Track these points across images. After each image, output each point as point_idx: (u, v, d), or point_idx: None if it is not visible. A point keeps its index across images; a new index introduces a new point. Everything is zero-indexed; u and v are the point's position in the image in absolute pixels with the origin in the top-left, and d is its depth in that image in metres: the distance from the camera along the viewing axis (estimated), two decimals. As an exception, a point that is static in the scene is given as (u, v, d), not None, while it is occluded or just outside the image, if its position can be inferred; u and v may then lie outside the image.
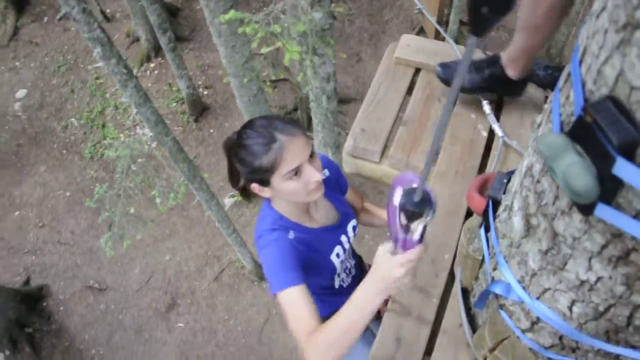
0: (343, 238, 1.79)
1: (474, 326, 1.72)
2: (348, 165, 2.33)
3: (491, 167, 2.09)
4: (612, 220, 0.90)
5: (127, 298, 5.89)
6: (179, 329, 5.64)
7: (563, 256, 1.11)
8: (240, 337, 5.51)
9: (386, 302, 1.82)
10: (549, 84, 2.20)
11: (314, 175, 1.47)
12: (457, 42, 2.62)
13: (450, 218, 2.01)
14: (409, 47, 2.49)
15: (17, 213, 6.58)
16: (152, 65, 7.46)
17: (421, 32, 6.35)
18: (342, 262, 1.80)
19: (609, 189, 0.86)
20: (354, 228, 1.86)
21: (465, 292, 1.78)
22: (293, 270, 1.46)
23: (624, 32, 0.77)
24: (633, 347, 1.16)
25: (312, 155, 1.49)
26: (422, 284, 1.88)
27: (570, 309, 1.18)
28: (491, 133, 2.23)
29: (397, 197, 1.09)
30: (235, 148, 1.52)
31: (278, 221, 1.59)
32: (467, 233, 1.64)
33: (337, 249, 1.76)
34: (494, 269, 1.46)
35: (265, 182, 1.50)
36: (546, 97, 2.22)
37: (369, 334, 2.08)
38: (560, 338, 1.30)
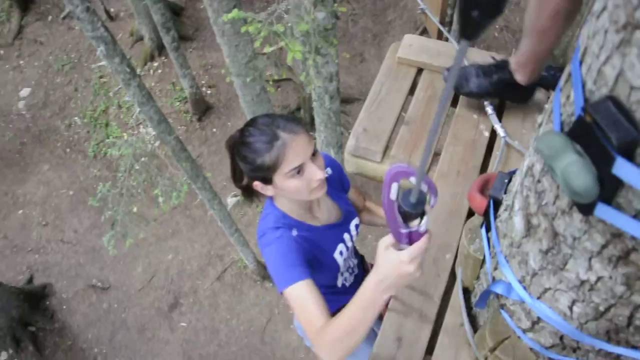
0: (346, 236, 1.79)
1: (475, 326, 1.72)
2: (350, 165, 2.33)
3: (493, 167, 2.09)
4: (612, 220, 0.90)
5: (130, 297, 5.91)
6: (181, 328, 5.66)
7: (563, 256, 1.11)
8: (243, 336, 5.52)
9: (387, 301, 1.82)
10: (551, 85, 2.19)
11: (317, 173, 1.47)
12: (459, 42, 2.61)
13: (451, 218, 2.01)
14: (411, 47, 2.49)
15: (20, 211, 6.60)
16: (155, 64, 7.47)
17: (425, 32, 6.34)
18: (345, 260, 1.80)
19: (609, 188, 0.86)
20: (357, 226, 1.86)
21: (467, 292, 1.78)
22: (298, 266, 1.45)
23: (624, 32, 0.77)
24: (634, 347, 1.16)
25: (314, 153, 1.49)
26: (424, 283, 1.89)
27: (570, 308, 1.18)
28: (493, 133, 2.23)
29: (394, 192, 1.06)
30: (237, 146, 1.52)
31: (281, 219, 1.59)
32: (468, 233, 1.64)
33: (340, 246, 1.75)
34: (495, 269, 1.46)
35: (267, 180, 1.50)
36: (548, 98, 2.22)
37: (370, 332, 2.08)
38: (561, 338, 1.30)
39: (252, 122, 1.52)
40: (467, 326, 1.69)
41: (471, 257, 1.61)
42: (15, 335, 5.63)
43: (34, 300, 5.86)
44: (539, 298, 1.27)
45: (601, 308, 1.10)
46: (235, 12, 2.51)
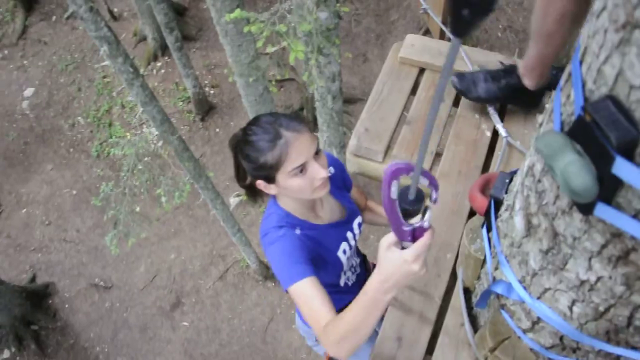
0: (349, 235, 1.79)
1: (475, 326, 1.72)
2: (351, 165, 2.33)
3: (494, 167, 2.09)
4: (611, 219, 0.89)
5: (132, 296, 5.92)
6: (183, 327, 5.66)
7: (563, 256, 1.11)
8: (245, 336, 5.52)
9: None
10: (554, 85, 2.19)
11: (320, 172, 1.47)
12: (462, 42, 2.62)
13: (453, 218, 2.01)
14: (413, 47, 2.49)
15: (24, 211, 6.62)
16: (158, 64, 7.48)
17: (428, 32, 6.34)
18: (348, 259, 1.80)
19: (609, 188, 0.85)
20: (360, 225, 1.85)
21: (467, 292, 1.78)
22: (302, 263, 1.45)
23: (623, 32, 0.77)
24: (633, 347, 1.16)
25: (317, 152, 1.49)
26: (424, 283, 1.89)
27: (570, 309, 1.18)
28: (495, 133, 2.23)
29: (394, 190, 1.06)
30: (240, 145, 1.51)
31: (284, 218, 1.59)
32: (469, 233, 1.64)
33: (344, 245, 1.75)
34: (496, 269, 1.46)
35: (270, 179, 1.50)
36: (549, 97, 2.22)
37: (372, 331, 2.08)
38: (561, 338, 1.30)
39: (255, 121, 1.51)
40: (467, 326, 1.69)
41: (472, 257, 1.61)
42: (17, 333, 5.64)
43: (37, 299, 5.88)
44: (539, 298, 1.27)
45: (601, 308, 1.10)
46: (237, 12, 2.51)
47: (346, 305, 1.28)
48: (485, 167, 2.16)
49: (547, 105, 1.17)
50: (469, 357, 1.69)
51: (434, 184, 1.06)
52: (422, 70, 2.49)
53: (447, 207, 2.04)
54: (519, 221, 1.26)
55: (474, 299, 1.73)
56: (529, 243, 1.23)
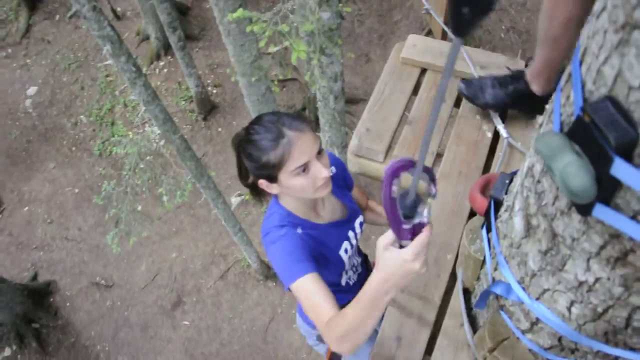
0: (350, 234, 1.79)
1: (474, 327, 1.72)
2: (352, 165, 2.33)
3: (495, 168, 2.09)
4: (610, 221, 0.89)
5: (133, 295, 5.92)
6: (184, 326, 5.67)
7: (562, 257, 1.11)
8: (245, 335, 5.52)
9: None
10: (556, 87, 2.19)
11: (322, 171, 1.46)
12: (464, 43, 2.61)
13: (453, 218, 2.01)
14: (415, 47, 2.49)
15: (26, 209, 6.63)
16: (161, 63, 7.49)
17: (430, 33, 6.34)
18: (349, 258, 1.80)
19: (607, 189, 0.85)
20: (361, 224, 1.85)
21: (467, 293, 1.78)
22: (304, 260, 1.45)
23: (622, 32, 0.77)
24: (632, 349, 1.16)
25: (320, 151, 1.49)
26: (424, 284, 1.89)
27: (569, 309, 1.18)
28: (496, 134, 2.23)
29: (395, 189, 1.05)
30: (243, 144, 1.51)
31: (286, 217, 1.59)
32: (469, 233, 1.64)
33: (345, 244, 1.75)
34: (495, 270, 1.46)
35: (273, 179, 1.50)
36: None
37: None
38: (560, 339, 1.30)
39: (257, 120, 1.51)
40: (466, 327, 1.69)
41: (472, 258, 1.61)
42: (19, 331, 5.65)
43: (38, 297, 5.88)
44: (537, 299, 1.27)
45: (599, 309, 1.10)
46: (240, 12, 2.52)
47: (347, 304, 1.28)
48: (486, 168, 2.16)
49: (547, 106, 1.17)
50: (468, 357, 1.69)
51: (432, 178, 1.05)
52: (423, 71, 2.49)
53: (447, 207, 2.04)
54: (518, 222, 1.26)
55: (474, 300, 1.73)
56: (528, 244, 1.23)
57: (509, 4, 6.60)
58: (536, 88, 2.04)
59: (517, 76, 2.12)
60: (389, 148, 2.27)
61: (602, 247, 0.98)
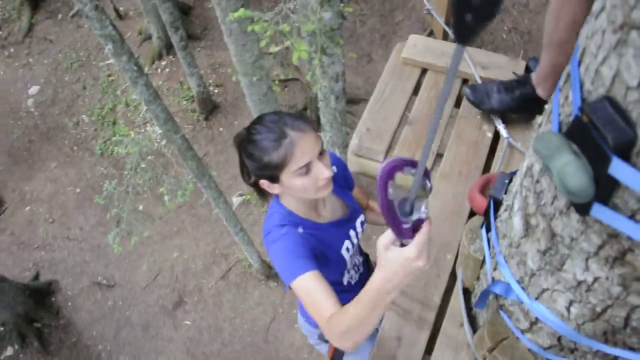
0: (352, 233, 1.79)
1: (474, 326, 1.72)
2: (353, 165, 2.33)
3: (495, 168, 2.09)
4: (608, 220, 0.90)
5: (135, 295, 5.93)
6: (185, 326, 5.67)
7: (561, 256, 1.11)
8: (246, 335, 5.53)
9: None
10: None
11: (324, 172, 1.46)
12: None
13: (453, 218, 2.01)
14: (416, 47, 2.50)
15: (27, 208, 6.64)
16: (163, 63, 7.50)
17: (432, 33, 6.34)
18: (351, 257, 1.80)
19: (605, 189, 0.86)
20: (362, 223, 1.85)
21: (467, 293, 1.78)
22: (304, 258, 1.44)
23: (621, 33, 0.77)
24: (631, 348, 1.16)
25: (321, 152, 1.49)
26: (424, 284, 1.89)
27: (568, 309, 1.18)
28: (496, 134, 2.23)
29: (392, 191, 1.04)
30: (244, 143, 1.51)
31: (287, 217, 1.59)
32: (469, 233, 1.64)
33: (347, 243, 1.75)
34: (494, 269, 1.47)
35: (274, 179, 1.50)
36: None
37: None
38: (559, 339, 1.30)
39: (259, 120, 1.51)
40: (466, 326, 1.69)
41: (471, 258, 1.61)
42: (20, 331, 5.66)
43: (40, 296, 5.89)
44: (537, 299, 1.27)
45: (598, 309, 1.10)
46: (241, 11, 2.52)
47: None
48: (486, 168, 2.16)
49: (546, 106, 1.17)
50: (467, 357, 1.70)
51: (425, 173, 1.04)
52: (424, 71, 2.49)
53: (447, 207, 2.04)
54: (517, 221, 1.26)
55: (474, 300, 1.73)
56: (527, 243, 1.23)
57: (511, 4, 6.59)
58: (542, 92, 2.04)
59: (523, 81, 2.11)
60: (390, 148, 2.27)
61: (600, 247, 0.98)
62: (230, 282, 5.87)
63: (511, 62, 2.43)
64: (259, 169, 1.49)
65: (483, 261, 1.56)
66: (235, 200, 6.18)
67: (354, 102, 6.49)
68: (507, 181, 1.48)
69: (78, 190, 6.68)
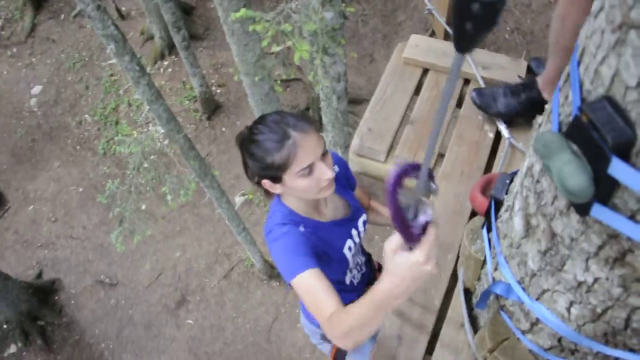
0: (354, 232, 1.78)
1: (475, 327, 1.72)
2: (354, 165, 2.33)
3: (497, 168, 2.09)
4: (608, 220, 0.89)
5: (137, 294, 5.94)
6: (187, 325, 5.68)
7: (561, 257, 1.10)
8: (249, 335, 5.53)
9: None
10: None
11: (326, 173, 1.45)
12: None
13: (454, 218, 2.01)
14: (417, 47, 2.49)
15: (31, 207, 6.66)
16: (165, 63, 7.51)
17: (434, 34, 6.33)
18: (353, 256, 1.80)
19: (605, 189, 0.85)
20: (364, 223, 1.85)
21: (468, 293, 1.78)
22: (305, 256, 1.44)
23: (619, 32, 0.77)
24: (631, 350, 1.16)
25: (324, 152, 1.48)
26: (425, 283, 1.88)
27: (568, 310, 1.18)
28: (498, 134, 2.22)
29: (402, 198, 1.04)
30: (246, 143, 1.50)
31: (288, 216, 1.58)
32: (470, 233, 1.64)
33: (349, 242, 1.74)
34: (495, 270, 1.46)
35: (277, 179, 1.49)
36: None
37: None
38: (559, 340, 1.30)
39: (261, 120, 1.50)
40: (467, 327, 1.69)
41: (472, 258, 1.61)
42: (24, 329, 5.68)
43: (43, 295, 5.91)
44: (537, 299, 1.27)
45: (598, 310, 1.10)
46: (243, 11, 2.52)
47: (350, 303, 1.27)
48: (488, 168, 2.16)
49: (546, 106, 1.17)
50: (468, 357, 1.69)
51: (430, 175, 1.04)
52: (425, 71, 2.49)
53: (448, 207, 2.04)
54: (518, 222, 1.26)
55: (475, 300, 1.73)
56: (527, 244, 1.23)
57: (514, 5, 6.58)
58: (548, 96, 2.04)
59: (529, 85, 2.11)
60: (391, 148, 2.27)
61: (600, 247, 0.98)
62: (233, 282, 5.88)
63: (513, 63, 2.42)
64: (261, 170, 1.49)
65: (484, 261, 1.56)
66: (238, 200, 6.18)
67: (356, 102, 6.49)
68: (508, 181, 1.47)
69: (81, 189, 6.70)
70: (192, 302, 5.82)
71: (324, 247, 1.60)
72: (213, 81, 7.25)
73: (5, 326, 5.73)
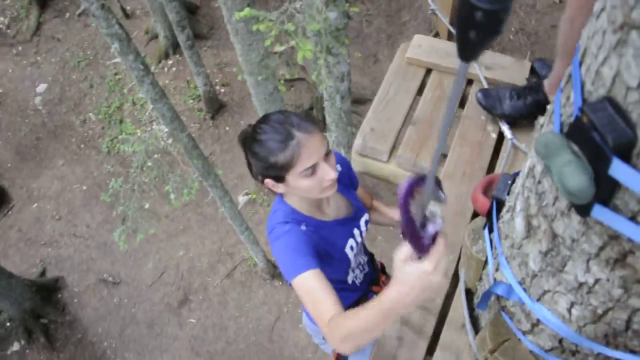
0: (356, 231, 1.78)
1: (476, 327, 1.72)
2: (356, 164, 2.33)
3: (499, 169, 2.08)
4: (608, 221, 0.89)
5: (140, 292, 5.95)
6: (190, 324, 5.69)
7: (562, 258, 1.10)
8: (251, 334, 5.53)
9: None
10: None
11: (329, 173, 1.46)
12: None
13: (456, 219, 2.00)
14: (420, 47, 2.49)
15: (35, 205, 6.68)
16: (170, 62, 7.52)
17: (439, 34, 6.32)
18: (355, 256, 1.80)
19: (606, 190, 0.85)
20: (366, 222, 1.85)
21: (469, 293, 1.78)
22: (307, 256, 1.44)
23: (621, 33, 0.77)
24: (632, 351, 1.16)
25: (327, 153, 1.48)
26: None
27: (569, 311, 1.18)
28: (500, 135, 2.22)
29: (414, 209, 1.04)
30: (249, 142, 1.51)
31: (290, 215, 1.58)
32: (472, 234, 1.64)
33: (351, 241, 1.74)
34: (496, 270, 1.46)
35: (279, 179, 1.49)
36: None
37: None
38: (560, 341, 1.30)
39: (264, 119, 1.50)
40: (468, 327, 1.68)
41: (474, 258, 1.61)
42: (27, 326, 5.70)
43: (46, 293, 5.93)
44: (538, 300, 1.26)
45: (599, 311, 1.10)
46: (247, 11, 2.52)
47: (353, 303, 1.27)
48: (490, 168, 2.15)
49: (548, 107, 1.17)
50: (469, 358, 1.69)
51: (438, 185, 1.05)
52: (429, 71, 2.48)
53: (450, 208, 2.03)
54: (519, 222, 1.26)
55: (476, 301, 1.73)
56: (528, 244, 1.23)
57: (518, 5, 6.56)
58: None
59: (536, 87, 2.11)
60: (393, 148, 2.27)
61: (601, 248, 0.98)
62: (236, 281, 5.88)
63: (516, 63, 2.42)
64: (264, 169, 1.49)
65: (485, 262, 1.56)
66: (241, 199, 6.19)
67: (360, 102, 6.48)
68: (509, 182, 1.47)
69: (84, 187, 6.71)
70: (195, 301, 5.82)
71: (325, 246, 1.60)
72: (217, 80, 7.26)
73: (8, 324, 5.76)
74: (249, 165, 1.60)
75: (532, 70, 2.45)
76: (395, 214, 1.94)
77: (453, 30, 2.80)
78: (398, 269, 1.10)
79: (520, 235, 1.26)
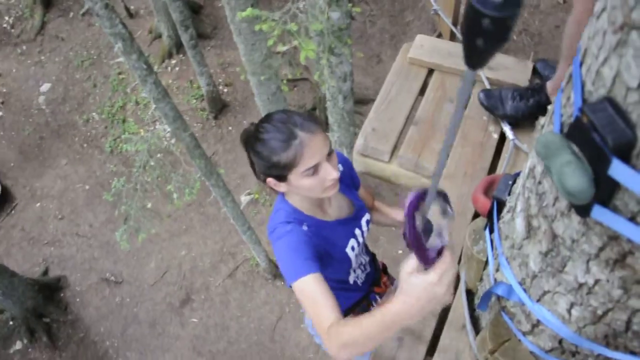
0: (357, 231, 1.78)
1: (477, 328, 1.71)
2: (358, 164, 2.33)
3: (501, 169, 2.08)
4: (608, 222, 0.89)
5: (142, 292, 5.96)
6: (192, 324, 5.69)
7: (562, 258, 1.10)
8: (253, 334, 5.54)
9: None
10: None
11: (331, 173, 1.46)
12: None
13: (457, 219, 2.00)
14: (422, 47, 2.49)
15: (38, 204, 6.69)
16: (173, 61, 7.53)
17: (442, 34, 6.31)
18: (356, 256, 1.79)
19: (606, 190, 0.85)
20: (368, 222, 1.85)
21: (470, 294, 1.77)
22: (308, 259, 1.43)
23: (621, 33, 0.77)
24: (632, 352, 1.15)
25: (329, 152, 1.48)
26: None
27: (569, 312, 1.17)
28: (502, 135, 2.22)
29: (419, 222, 1.05)
30: (251, 141, 1.51)
31: (292, 214, 1.58)
32: (472, 234, 1.64)
33: (352, 242, 1.74)
34: (497, 271, 1.46)
35: (282, 178, 1.49)
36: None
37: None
38: (560, 342, 1.30)
39: (267, 119, 1.50)
40: (469, 328, 1.68)
41: (474, 259, 1.61)
42: (29, 325, 5.71)
43: (49, 292, 5.94)
44: (538, 301, 1.26)
45: (599, 312, 1.09)
46: (250, 11, 2.53)
47: (354, 303, 1.27)
48: (492, 169, 2.15)
49: (549, 107, 1.17)
50: (469, 358, 1.69)
51: (445, 199, 1.05)
52: (431, 71, 2.48)
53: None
54: (519, 223, 1.26)
55: (476, 301, 1.73)
56: (529, 245, 1.22)
57: (522, 6, 6.55)
58: None
59: (538, 89, 2.11)
60: (395, 148, 2.27)
61: (601, 249, 0.98)
62: (238, 281, 5.88)
63: (519, 64, 2.42)
64: (267, 168, 1.49)
65: (486, 262, 1.56)
66: (243, 199, 6.19)
67: (362, 102, 6.48)
68: (510, 182, 1.47)
69: (87, 187, 6.73)
70: (197, 300, 5.83)
71: (326, 246, 1.60)
72: (220, 80, 7.27)
73: (11, 323, 5.77)
74: (252, 164, 1.60)
75: (535, 71, 2.45)
76: (397, 214, 1.94)
77: (456, 31, 2.80)
78: (404, 280, 1.10)
79: (521, 236, 1.26)
